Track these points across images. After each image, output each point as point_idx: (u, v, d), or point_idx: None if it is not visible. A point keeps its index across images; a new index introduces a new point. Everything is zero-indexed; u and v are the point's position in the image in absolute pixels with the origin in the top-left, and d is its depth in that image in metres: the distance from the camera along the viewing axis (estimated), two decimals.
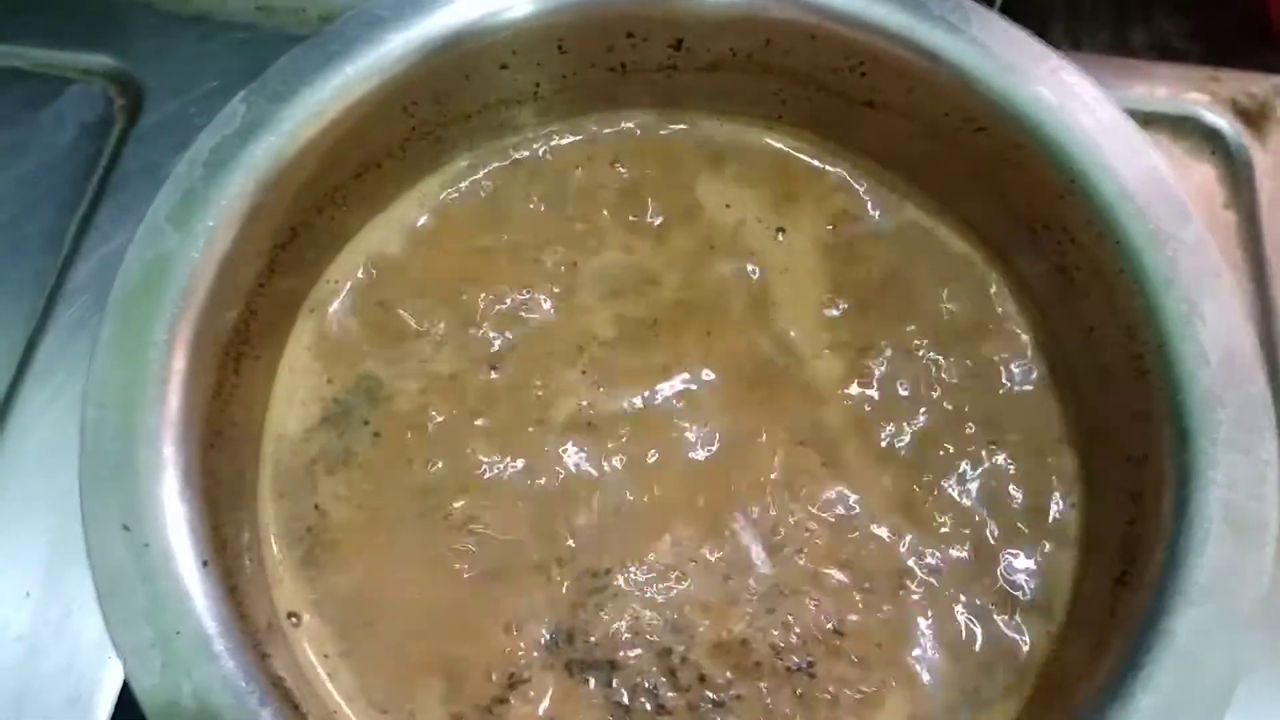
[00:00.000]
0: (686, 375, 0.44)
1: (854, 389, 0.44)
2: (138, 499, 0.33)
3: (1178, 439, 0.36)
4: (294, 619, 0.39)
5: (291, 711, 0.32)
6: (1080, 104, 0.41)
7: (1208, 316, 0.37)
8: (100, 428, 0.34)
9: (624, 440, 0.43)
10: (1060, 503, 0.42)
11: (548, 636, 0.39)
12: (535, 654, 0.39)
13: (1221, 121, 0.67)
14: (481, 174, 0.47)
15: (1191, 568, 0.33)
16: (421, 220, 0.46)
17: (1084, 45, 0.77)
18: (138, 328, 0.35)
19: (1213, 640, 0.32)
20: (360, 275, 0.45)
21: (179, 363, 0.35)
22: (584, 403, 0.43)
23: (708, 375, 0.44)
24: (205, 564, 0.33)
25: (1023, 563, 0.41)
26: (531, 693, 0.38)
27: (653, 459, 0.42)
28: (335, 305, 0.45)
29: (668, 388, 0.44)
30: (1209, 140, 0.67)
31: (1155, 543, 0.35)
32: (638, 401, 0.43)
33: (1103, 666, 0.34)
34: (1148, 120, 0.67)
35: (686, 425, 0.43)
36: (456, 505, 0.41)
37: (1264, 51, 0.71)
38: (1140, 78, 0.69)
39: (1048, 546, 0.41)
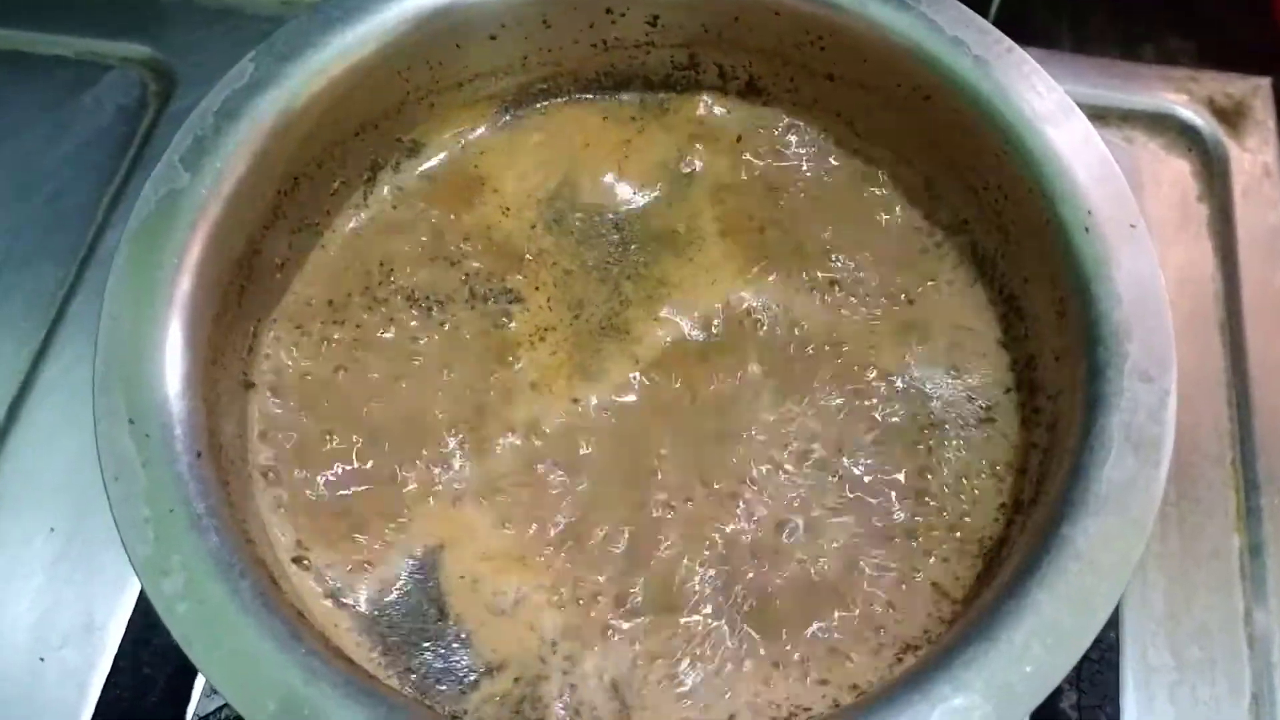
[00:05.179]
0: None
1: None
2: (142, 397, 0.37)
3: (1089, 371, 0.38)
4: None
5: (271, 584, 0.35)
6: (1017, 73, 0.44)
7: (1123, 262, 0.40)
8: (113, 335, 0.38)
9: None
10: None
11: None
12: None
13: (1198, 119, 0.70)
14: (473, 139, 0.51)
15: (1092, 480, 0.36)
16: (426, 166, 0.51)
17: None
18: (150, 251, 0.39)
19: (1108, 546, 0.35)
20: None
21: (185, 284, 0.39)
22: None
23: None
24: (199, 455, 0.37)
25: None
26: None
27: None
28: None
29: None
30: (1186, 137, 0.69)
31: (1061, 464, 0.38)
32: None
33: (1006, 569, 0.36)
34: (1126, 116, 0.70)
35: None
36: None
37: (1273, 74, 0.73)
38: (1121, 76, 0.71)
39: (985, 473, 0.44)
